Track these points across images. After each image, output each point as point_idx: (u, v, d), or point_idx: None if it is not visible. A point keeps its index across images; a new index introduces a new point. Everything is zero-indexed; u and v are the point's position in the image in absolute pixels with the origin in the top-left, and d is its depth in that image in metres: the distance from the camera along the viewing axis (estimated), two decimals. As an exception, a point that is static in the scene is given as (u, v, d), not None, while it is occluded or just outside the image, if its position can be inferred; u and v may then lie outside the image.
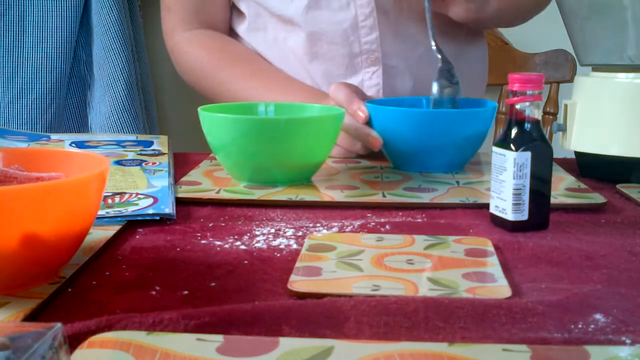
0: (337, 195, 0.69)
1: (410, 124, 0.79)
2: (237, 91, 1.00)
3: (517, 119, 0.59)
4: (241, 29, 1.06)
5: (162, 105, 1.84)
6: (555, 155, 0.61)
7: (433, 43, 0.88)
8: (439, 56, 0.87)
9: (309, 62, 1.00)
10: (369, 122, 0.82)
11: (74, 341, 0.38)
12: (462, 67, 1.06)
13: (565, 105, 0.81)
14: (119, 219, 0.60)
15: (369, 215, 0.64)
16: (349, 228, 0.60)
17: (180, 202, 0.67)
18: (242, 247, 0.55)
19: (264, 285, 0.47)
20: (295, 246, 0.55)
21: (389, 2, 0.97)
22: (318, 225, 0.61)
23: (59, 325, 0.33)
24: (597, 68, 0.80)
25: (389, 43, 0.99)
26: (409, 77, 1.02)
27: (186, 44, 1.06)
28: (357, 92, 0.86)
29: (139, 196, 0.65)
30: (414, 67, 1.01)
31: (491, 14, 0.96)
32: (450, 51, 1.04)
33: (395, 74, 1.01)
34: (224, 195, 0.69)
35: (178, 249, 0.54)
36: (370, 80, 1.00)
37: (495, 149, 0.60)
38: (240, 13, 1.06)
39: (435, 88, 0.86)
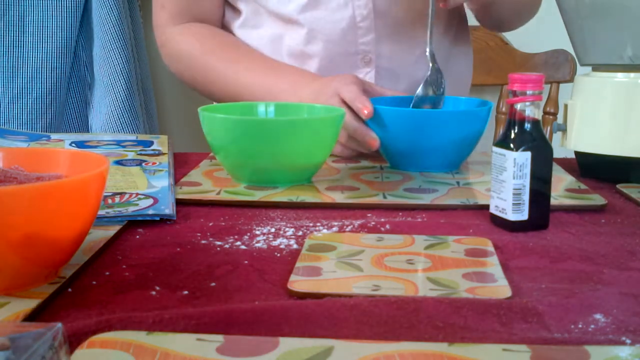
0: (337, 197, 0.69)
1: (406, 123, 0.79)
2: (226, 75, 1.00)
3: (517, 119, 0.59)
4: (235, 25, 1.06)
5: (162, 105, 1.84)
6: (555, 155, 0.61)
7: (428, 48, 0.88)
8: (431, 64, 0.88)
9: (303, 59, 1.00)
10: (366, 122, 0.82)
11: (74, 341, 0.38)
12: (449, 70, 1.06)
13: (565, 105, 0.81)
14: (119, 219, 0.60)
15: (369, 215, 0.64)
16: (349, 228, 0.60)
17: (180, 202, 0.67)
18: (242, 247, 0.55)
19: (264, 285, 0.47)
20: (295, 246, 0.55)
21: (387, 4, 0.97)
22: (318, 225, 0.61)
23: (59, 325, 0.33)
24: (597, 68, 0.80)
25: (385, 45, 0.99)
26: (403, 79, 1.02)
27: (177, 34, 1.06)
28: (366, 90, 0.85)
29: (139, 196, 0.65)
30: (410, 69, 1.02)
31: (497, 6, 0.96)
32: (438, 56, 1.04)
33: (388, 76, 1.01)
34: (224, 196, 0.69)
35: (178, 249, 0.54)
36: None
37: (495, 149, 0.60)
38: (236, 11, 1.06)
39: (420, 92, 0.87)
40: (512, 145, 0.58)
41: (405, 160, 0.82)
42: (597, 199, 0.68)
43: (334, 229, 0.60)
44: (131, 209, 0.61)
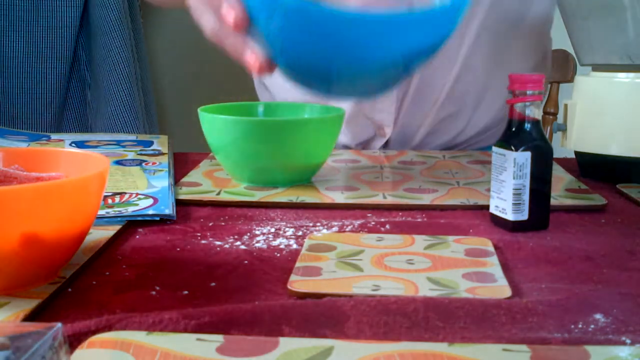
0: (337, 197, 0.69)
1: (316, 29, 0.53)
2: None
3: (517, 119, 0.59)
4: None
5: (162, 105, 1.84)
6: (555, 155, 0.61)
7: None
8: None
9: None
10: (252, 28, 0.56)
11: (74, 341, 0.38)
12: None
13: (565, 105, 0.81)
14: (119, 219, 0.60)
15: (369, 215, 0.64)
16: (349, 228, 0.60)
17: (180, 202, 0.67)
18: (242, 247, 0.55)
19: (264, 285, 0.47)
20: (295, 246, 0.55)
21: None
22: (318, 225, 0.61)
23: (59, 325, 0.33)
24: (597, 68, 0.80)
25: None
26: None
27: None
28: None
29: (139, 196, 0.65)
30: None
31: None
32: None
33: None
34: (224, 197, 0.69)
35: (178, 249, 0.54)
36: None
37: (495, 149, 0.60)
38: None
39: None
40: (512, 145, 0.58)
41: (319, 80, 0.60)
42: (597, 199, 0.68)
43: (334, 229, 0.60)
44: (131, 209, 0.61)
